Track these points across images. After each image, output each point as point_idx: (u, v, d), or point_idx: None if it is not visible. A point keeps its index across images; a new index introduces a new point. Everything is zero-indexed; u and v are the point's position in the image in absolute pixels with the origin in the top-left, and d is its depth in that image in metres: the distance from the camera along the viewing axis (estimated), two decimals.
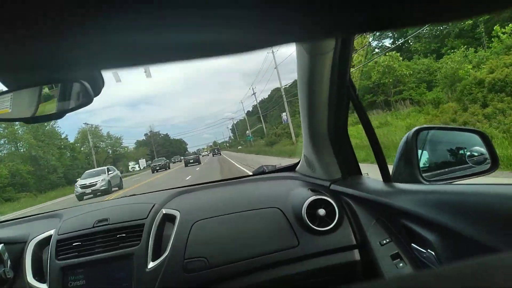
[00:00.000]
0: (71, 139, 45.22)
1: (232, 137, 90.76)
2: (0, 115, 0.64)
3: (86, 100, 0.59)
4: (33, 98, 0.63)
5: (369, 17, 0.22)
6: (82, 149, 45.78)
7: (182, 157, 53.05)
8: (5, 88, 0.56)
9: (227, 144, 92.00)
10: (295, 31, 0.23)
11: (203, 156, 51.46)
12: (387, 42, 26.61)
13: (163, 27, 0.20)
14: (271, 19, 0.21)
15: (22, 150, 34.26)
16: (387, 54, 21.42)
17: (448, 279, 0.24)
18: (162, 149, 76.15)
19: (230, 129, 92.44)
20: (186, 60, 0.24)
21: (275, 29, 0.22)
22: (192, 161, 32.29)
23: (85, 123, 48.61)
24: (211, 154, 56.98)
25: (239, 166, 18.06)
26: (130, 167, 58.05)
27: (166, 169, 33.12)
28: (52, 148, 36.14)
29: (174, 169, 31.98)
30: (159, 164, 34.31)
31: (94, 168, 41.26)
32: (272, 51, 25.77)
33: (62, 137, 40.27)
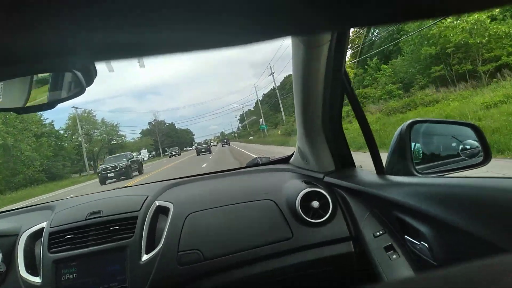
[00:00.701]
0: (61, 127, 38.65)
1: (240, 128, 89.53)
2: None
3: (78, 90, 0.58)
4: (24, 88, 0.62)
5: (365, 11, 0.21)
6: (74, 137, 39.19)
7: (178, 150, 50.13)
8: None
9: (235, 135, 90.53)
10: (292, 25, 0.23)
11: (212, 146, 49.30)
12: None
13: (157, 18, 0.19)
14: (267, 12, 0.21)
15: None
16: None
17: (449, 281, 0.24)
18: (167, 139, 73.61)
19: (239, 119, 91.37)
20: (180, 53, 0.24)
21: (271, 23, 0.22)
22: (203, 150, 33.51)
23: (73, 107, 39.91)
24: (219, 144, 57.36)
25: None
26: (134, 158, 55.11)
27: (128, 177, 17.79)
28: (28, 135, 29.30)
29: (156, 172, 19.06)
30: (112, 169, 17.96)
31: (84, 160, 35.77)
32: None
33: (46, 123, 34.18)
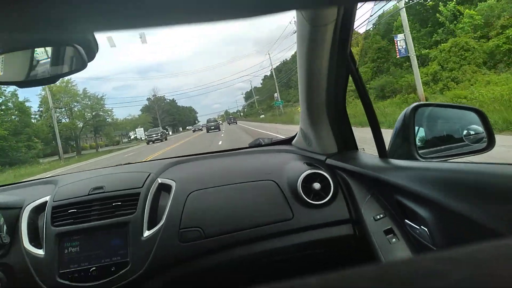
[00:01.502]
0: (26, 97, 30.32)
1: (246, 106, 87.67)
2: None
3: (79, 65, 0.57)
4: (25, 61, 0.61)
5: None
6: (48, 112, 31.58)
7: (162, 132, 39.49)
8: None
9: (241, 114, 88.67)
10: None
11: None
12: None
13: None
14: None
15: None
16: None
17: (446, 262, 0.24)
18: (167, 116, 70.27)
19: (244, 96, 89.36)
20: (182, 24, 0.23)
21: None
22: (213, 127, 33.59)
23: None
24: (224, 123, 57.70)
25: None
26: (132, 136, 50.49)
27: None
28: None
29: None
30: None
31: (57, 139, 26.76)
32: None
33: (5, 92, 26.64)
